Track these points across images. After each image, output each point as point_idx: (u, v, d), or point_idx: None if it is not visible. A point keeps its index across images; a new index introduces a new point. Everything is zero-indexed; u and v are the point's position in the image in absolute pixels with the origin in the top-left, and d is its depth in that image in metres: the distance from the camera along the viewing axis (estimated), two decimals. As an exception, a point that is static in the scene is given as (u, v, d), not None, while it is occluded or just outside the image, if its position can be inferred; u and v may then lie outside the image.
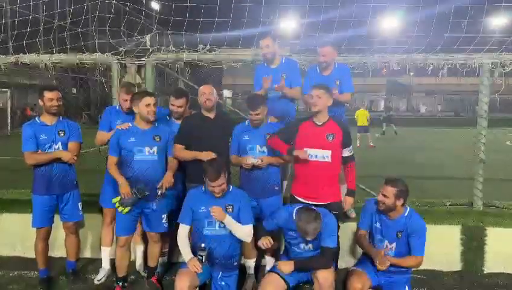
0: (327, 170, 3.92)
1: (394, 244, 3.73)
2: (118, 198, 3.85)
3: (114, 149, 3.93)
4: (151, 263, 4.20)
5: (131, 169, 3.89)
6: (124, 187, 3.80)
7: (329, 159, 3.91)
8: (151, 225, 4.04)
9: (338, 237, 3.89)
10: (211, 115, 4.28)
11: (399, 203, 3.64)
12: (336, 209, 3.93)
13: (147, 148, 3.91)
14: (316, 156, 3.91)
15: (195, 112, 4.46)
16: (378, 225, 3.80)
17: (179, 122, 4.38)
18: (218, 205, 3.62)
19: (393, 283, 3.78)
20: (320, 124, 3.98)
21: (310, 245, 3.69)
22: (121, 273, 4.06)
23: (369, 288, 3.78)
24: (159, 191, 3.88)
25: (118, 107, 4.52)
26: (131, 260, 4.66)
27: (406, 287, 3.79)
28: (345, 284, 3.82)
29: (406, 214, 3.71)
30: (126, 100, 4.26)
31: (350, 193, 4.07)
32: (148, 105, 3.85)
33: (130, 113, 4.23)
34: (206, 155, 3.98)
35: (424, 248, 3.68)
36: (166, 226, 4.10)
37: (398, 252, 3.72)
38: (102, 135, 4.37)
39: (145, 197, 3.82)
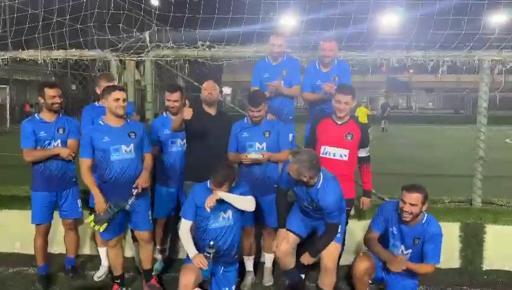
0: (343, 168, 3.94)
1: (410, 251, 3.64)
2: (92, 217, 3.68)
3: (87, 151, 3.69)
4: (146, 266, 4.11)
5: (109, 171, 3.71)
6: (100, 204, 3.65)
7: (346, 158, 3.97)
8: (135, 224, 3.97)
9: (345, 233, 3.94)
10: (212, 112, 4.25)
11: (424, 208, 3.52)
12: (347, 206, 3.97)
13: (123, 147, 3.72)
14: (334, 154, 3.97)
15: (196, 106, 4.42)
16: (395, 230, 3.67)
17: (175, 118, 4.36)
18: (222, 201, 3.59)
19: (400, 284, 3.71)
20: (340, 123, 4.02)
21: (312, 205, 3.66)
22: (117, 272, 4.04)
23: (373, 275, 3.76)
24: (135, 191, 3.70)
25: (97, 103, 4.42)
26: (131, 256, 4.69)
27: None
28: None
29: (423, 221, 3.57)
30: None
31: (367, 193, 4.14)
32: (117, 100, 3.68)
33: None
34: (187, 113, 3.88)
35: (439, 255, 3.57)
36: (151, 223, 4.04)
37: (411, 259, 3.63)
38: None
39: (123, 209, 3.66)
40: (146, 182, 3.77)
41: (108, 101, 3.72)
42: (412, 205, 3.46)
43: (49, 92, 4.05)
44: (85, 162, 3.71)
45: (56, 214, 4.29)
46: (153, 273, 4.22)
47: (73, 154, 4.10)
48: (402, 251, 3.66)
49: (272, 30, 4.91)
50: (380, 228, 3.78)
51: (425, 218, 3.59)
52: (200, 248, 3.61)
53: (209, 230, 3.63)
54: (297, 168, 3.45)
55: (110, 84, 4.15)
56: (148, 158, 3.94)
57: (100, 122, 3.82)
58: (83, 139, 3.78)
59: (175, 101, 4.32)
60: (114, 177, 3.72)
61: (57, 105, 4.09)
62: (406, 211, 3.48)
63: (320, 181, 3.57)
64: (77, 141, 4.19)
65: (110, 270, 4.44)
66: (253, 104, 4.03)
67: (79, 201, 4.35)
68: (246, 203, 3.64)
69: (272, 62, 4.74)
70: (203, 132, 4.10)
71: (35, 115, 4.21)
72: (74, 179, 4.31)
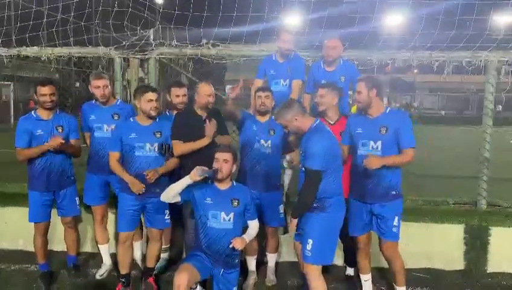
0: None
1: (380, 143, 3.54)
2: None
3: (116, 145, 3.87)
4: (150, 263, 4.11)
5: (133, 165, 3.86)
6: (136, 185, 3.79)
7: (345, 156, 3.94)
8: (152, 221, 4.00)
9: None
10: (203, 114, 4.14)
11: (372, 94, 3.50)
12: None
13: (147, 145, 3.85)
14: None
15: (186, 108, 4.29)
16: (359, 130, 3.64)
17: None
18: (224, 197, 3.52)
19: (383, 217, 3.63)
20: (333, 122, 4.02)
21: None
22: (123, 270, 4.00)
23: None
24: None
25: (94, 102, 4.37)
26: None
27: (396, 218, 3.63)
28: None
29: (387, 111, 3.60)
30: (98, 87, 4.19)
31: None
32: (150, 101, 3.80)
33: (106, 102, 4.26)
34: (207, 140, 3.89)
35: (412, 137, 3.52)
36: (168, 222, 4.06)
37: (385, 152, 3.52)
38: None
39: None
40: (153, 176, 3.78)
41: (141, 102, 3.83)
42: (358, 92, 3.54)
43: (41, 90, 3.96)
44: (114, 155, 3.88)
45: (56, 211, 4.27)
46: (154, 272, 4.20)
47: (62, 141, 3.90)
48: (372, 147, 3.56)
49: (278, 28, 4.88)
50: (347, 140, 3.76)
51: (388, 109, 3.64)
52: (198, 246, 3.57)
53: (209, 227, 3.52)
54: (277, 112, 3.52)
55: (98, 81, 4.18)
56: (173, 160, 4.01)
57: (131, 119, 3.96)
58: (114, 133, 3.97)
59: (184, 95, 4.30)
60: (136, 173, 3.83)
61: (48, 104, 3.99)
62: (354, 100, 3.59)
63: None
64: (78, 141, 4.22)
65: (113, 268, 4.44)
66: (262, 89, 4.16)
67: (77, 199, 4.33)
68: (256, 231, 3.70)
69: (278, 60, 4.73)
70: (196, 135, 3.96)
71: (32, 112, 4.12)
72: (72, 177, 4.28)
